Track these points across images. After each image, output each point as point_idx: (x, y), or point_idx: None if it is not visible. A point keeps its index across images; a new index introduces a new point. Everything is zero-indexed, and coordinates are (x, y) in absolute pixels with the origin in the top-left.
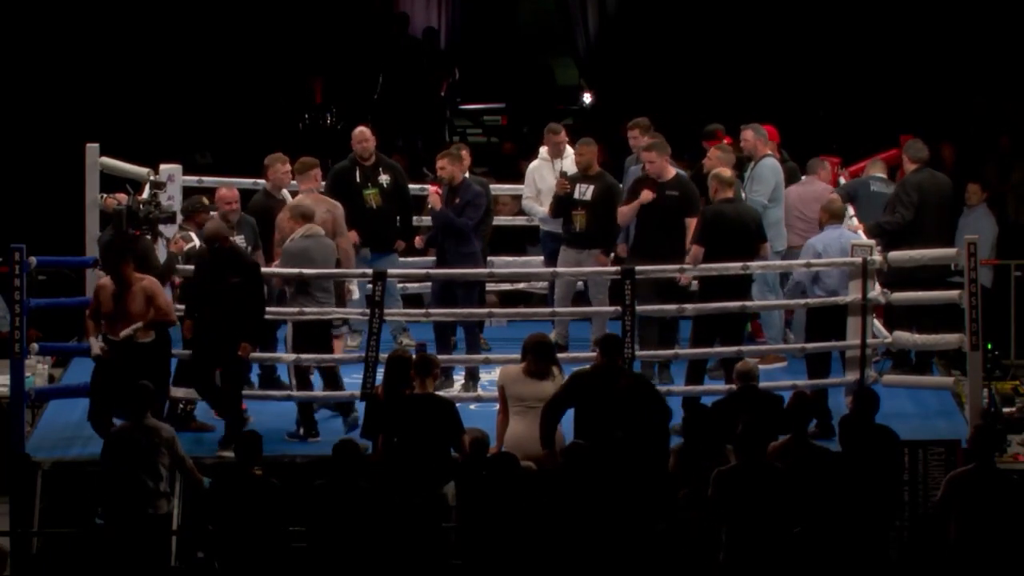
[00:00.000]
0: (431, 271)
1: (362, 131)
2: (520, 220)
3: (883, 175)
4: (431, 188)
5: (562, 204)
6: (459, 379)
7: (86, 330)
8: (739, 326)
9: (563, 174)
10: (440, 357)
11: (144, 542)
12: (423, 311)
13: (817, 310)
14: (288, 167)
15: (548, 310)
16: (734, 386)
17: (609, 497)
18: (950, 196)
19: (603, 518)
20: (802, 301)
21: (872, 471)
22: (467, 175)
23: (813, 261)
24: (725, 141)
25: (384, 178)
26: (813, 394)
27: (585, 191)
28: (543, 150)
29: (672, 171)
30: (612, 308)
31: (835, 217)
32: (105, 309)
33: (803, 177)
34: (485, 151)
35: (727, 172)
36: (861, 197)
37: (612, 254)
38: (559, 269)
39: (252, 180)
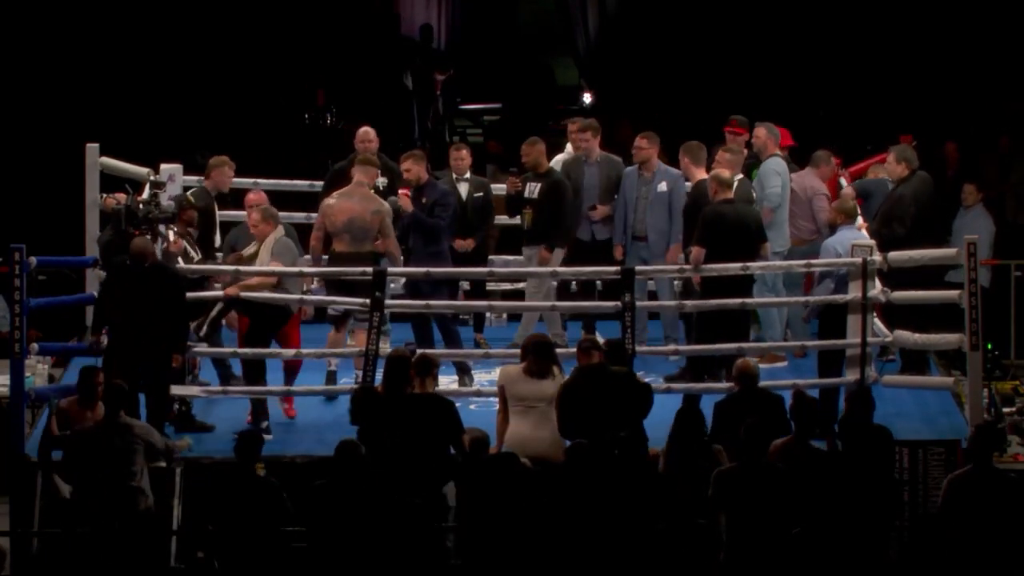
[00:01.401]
0: (431, 269)
1: (366, 131)
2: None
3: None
4: (400, 191)
5: (513, 203)
6: (452, 378)
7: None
8: (741, 325)
9: (514, 172)
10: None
11: (131, 540)
12: (423, 303)
13: (830, 309)
14: (231, 171)
15: (548, 304)
16: (734, 386)
17: (610, 497)
18: (937, 197)
19: (604, 518)
20: (803, 299)
21: (870, 471)
22: (468, 175)
23: (813, 261)
24: (737, 131)
25: (381, 180)
26: (823, 394)
27: (533, 189)
28: (569, 146)
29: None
30: (601, 303)
31: (849, 217)
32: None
33: (806, 168)
34: (485, 151)
35: (726, 173)
36: (879, 195)
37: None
38: (559, 269)
39: (252, 180)
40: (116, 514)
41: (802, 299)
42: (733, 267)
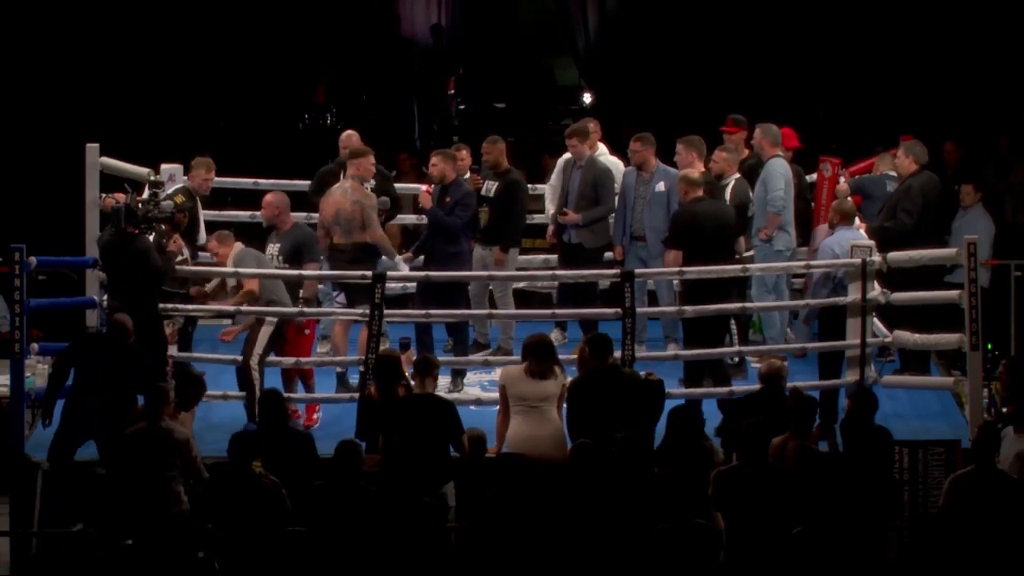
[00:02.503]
0: (431, 272)
1: (349, 136)
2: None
3: (894, 172)
4: (422, 188)
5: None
6: (445, 379)
7: None
8: (723, 328)
9: (475, 171)
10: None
11: (160, 543)
12: (423, 312)
13: (829, 309)
14: (212, 174)
15: (549, 311)
16: (760, 384)
17: (613, 497)
18: (942, 195)
19: (607, 518)
20: (803, 301)
21: (870, 472)
22: (467, 175)
23: (813, 262)
24: (731, 130)
25: (370, 183)
26: (823, 395)
27: (490, 188)
28: None
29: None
30: (524, 311)
31: (846, 218)
32: None
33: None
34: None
35: (695, 173)
36: (876, 197)
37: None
38: (560, 271)
39: (252, 180)
40: (151, 516)
41: (801, 302)
42: (733, 268)
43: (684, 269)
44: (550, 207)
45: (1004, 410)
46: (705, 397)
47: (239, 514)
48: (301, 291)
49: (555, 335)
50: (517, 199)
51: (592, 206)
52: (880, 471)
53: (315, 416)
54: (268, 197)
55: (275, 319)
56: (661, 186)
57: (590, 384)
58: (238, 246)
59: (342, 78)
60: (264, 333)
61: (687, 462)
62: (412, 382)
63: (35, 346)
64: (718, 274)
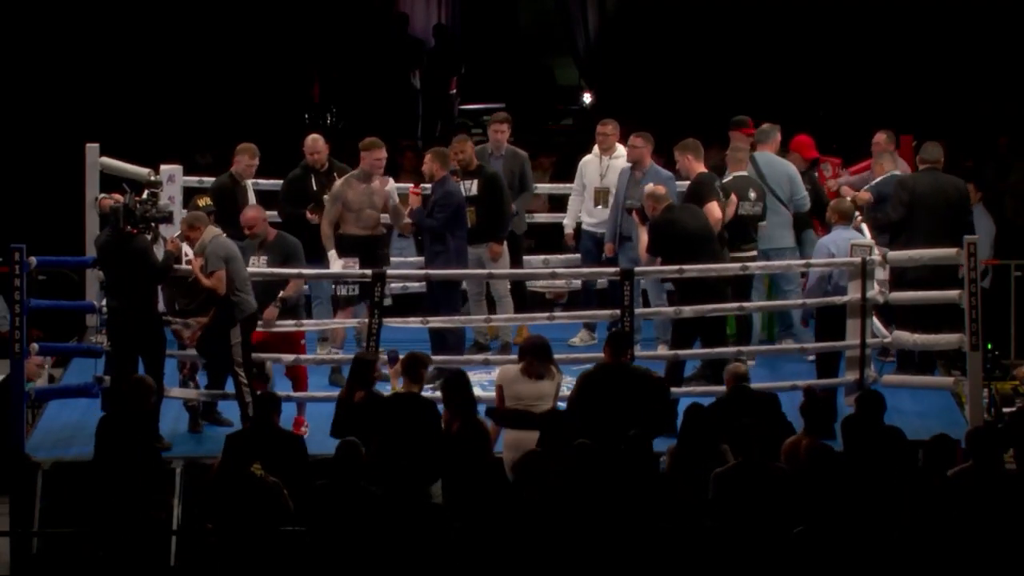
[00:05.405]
0: (430, 271)
1: (315, 140)
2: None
3: (898, 171)
4: (411, 188)
5: None
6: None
7: None
8: (720, 328)
9: (452, 172)
10: (439, 358)
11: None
12: (420, 319)
13: (827, 309)
14: (256, 160)
15: (545, 314)
16: (726, 388)
17: (615, 497)
18: (954, 198)
19: (608, 517)
20: (799, 301)
21: (877, 472)
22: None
23: (813, 261)
24: (751, 132)
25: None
26: (822, 394)
27: (470, 187)
28: (596, 148)
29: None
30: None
31: (844, 217)
32: None
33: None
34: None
35: (661, 190)
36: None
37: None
38: (561, 270)
39: (252, 180)
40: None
41: (799, 302)
42: (733, 267)
43: (684, 268)
44: (577, 214)
45: None
46: (702, 396)
47: (241, 514)
48: (282, 292)
49: (582, 336)
50: (502, 193)
51: (519, 194)
52: (890, 472)
53: (303, 429)
54: (253, 214)
55: (240, 316)
56: (650, 188)
57: (600, 379)
58: (212, 230)
59: (342, 78)
60: (235, 335)
61: (701, 462)
62: (396, 386)
63: (35, 346)
64: (719, 273)
